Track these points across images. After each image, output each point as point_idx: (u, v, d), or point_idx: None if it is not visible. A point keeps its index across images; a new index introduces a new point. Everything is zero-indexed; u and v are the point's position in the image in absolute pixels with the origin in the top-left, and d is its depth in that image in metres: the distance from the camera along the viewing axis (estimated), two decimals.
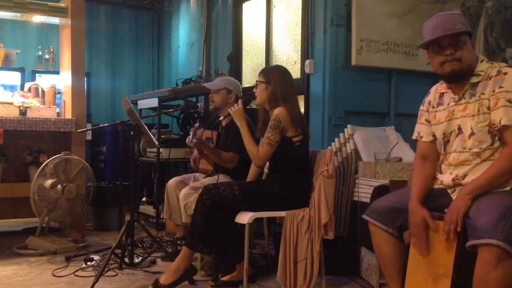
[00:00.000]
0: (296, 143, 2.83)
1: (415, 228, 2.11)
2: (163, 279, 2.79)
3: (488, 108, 2.02)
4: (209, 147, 3.29)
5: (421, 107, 2.34)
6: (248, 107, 3.30)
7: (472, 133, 2.07)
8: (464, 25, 2.08)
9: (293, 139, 2.83)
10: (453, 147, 2.15)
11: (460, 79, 2.12)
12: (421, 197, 2.15)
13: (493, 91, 2.01)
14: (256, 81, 3.00)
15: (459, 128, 2.12)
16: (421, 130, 2.32)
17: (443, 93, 2.23)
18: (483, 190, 1.96)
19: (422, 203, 2.13)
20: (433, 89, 2.31)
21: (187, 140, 3.24)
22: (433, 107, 2.26)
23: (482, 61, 2.12)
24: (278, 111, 2.81)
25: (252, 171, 3.17)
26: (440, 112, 2.22)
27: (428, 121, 2.30)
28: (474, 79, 2.10)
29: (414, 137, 2.36)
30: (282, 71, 3.00)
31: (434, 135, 2.27)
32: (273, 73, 2.95)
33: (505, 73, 2.01)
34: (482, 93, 2.05)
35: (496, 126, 1.99)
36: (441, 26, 2.08)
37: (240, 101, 3.01)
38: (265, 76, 2.95)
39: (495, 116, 2.00)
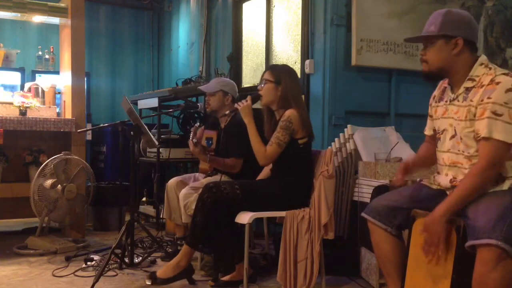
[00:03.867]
0: (301, 144, 2.83)
1: (398, 171, 2.33)
2: (160, 273, 2.80)
3: (474, 116, 2.00)
4: (207, 157, 3.25)
5: (430, 100, 2.37)
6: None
7: (461, 137, 2.08)
8: (437, 27, 2.06)
9: (298, 141, 2.82)
10: (447, 146, 2.15)
11: (431, 80, 2.19)
12: (419, 155, 2.39)
13: (482, 100, 1.97)
14: (264, 79, 2.93)
15: (454, 130, 2.12)
16: (427, 124, 2.40)
17: (445, 88, 2.23)
18: (456, 208, 1.97)
19: (414, 162, 2.36)
20: (440, 82, 2.31)
21: (189, 142, 3.22)
22: (436, 101, 2.27)
23: (481, 64, 2.07)
24: (290, 113, 2.79)
25: (264, 173, 3.14)
26: (440, 107, 2.23)
27: (431, 116, 2.33)
28: (468, 84, 2.07)
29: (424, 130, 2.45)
30: (292, 72, 2.98)
31: (434, 130, 2.30)
32: (283, 74, 2.91)
33: (498, 83, 1.96)
34: (471, 100, 2.02)
35: (479, 136, 1.98)
36: (425, 26, 2.14)
37: (249, 98, 2.92)
38: (275, 76, 2.90)
39: (479, 126, 1.97)
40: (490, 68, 2.05)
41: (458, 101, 2.10)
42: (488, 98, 1.95)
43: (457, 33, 2.06)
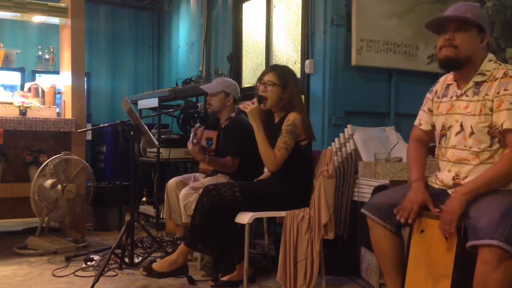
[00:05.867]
0: (302, 146, 2.83)
1: (412, 203, 2.09)
2: (156, 266, 2.81)
3: (491, 110, 2.01)
4: (206, 158, 3.23)
5: (427, 95, 2.33)
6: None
7: (472, 132, 2.06)
8: (475, 16, 2.05)
9: (300, 143, 2.82)
10: (452, 143, 2.14)
11: (453, 68, 2.12)
12: (424, 176, 2.19)
13: (498, 93, 1.99)
14: (268, 81, 2.87)
15: (461, 125, 2.11)
16: (422, 118, 2.34)
17: (449, 84, 2.21)
18: (480, 192, 1.96)
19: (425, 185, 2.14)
20: (442, 78, 2.29)
21: (188, 142, 3.21)
22: (438, 97, 2.25)
23: (490, 60, 2.09)
24: (293, 117, 2.77)
25: (266, 173, 3.12)
26: (444, 103, 2.21)
27: (430, 110, 2.29)
28: (478, 78, 2.07)
29: (415, 122, 2.37)
30: (294, 74, 2.96)
31: (433, 125, 2.27)
32: (289, 78, 2.88)
33: None
34: (486, 94, 2.03)
35: (498, 128, 1.98)
36: (451, 12, 2.09)
37: (255, 100, 2.87)
38: (281, 80, 2.86)
39: (497, 118, 1.98)
40: (499, 64, 2.09)
41: (467, 96, 2.09)
42: (505, 90, 1.98)
43: (487, 29, 2.09)
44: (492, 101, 2.01)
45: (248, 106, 2.85)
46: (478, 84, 2.07)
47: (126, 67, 6.60)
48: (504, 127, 1.97)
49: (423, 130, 2.33)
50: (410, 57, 4.05)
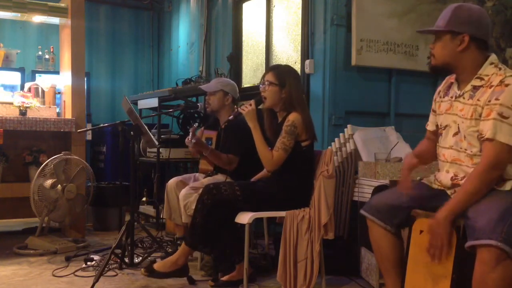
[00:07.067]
0: (304, 147, 2.83)
1: (402, 170, 2.31)
2: (157, 266, 2.81)
3: (480, 116, 2.00)
4: (208, 148, 3.27)
5: (434, 96, 2.36)
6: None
7: (465, 136, 2.07)
8: (445, 22, 2.06)
9: (301, 144, 2.82)
10: (450, 143, 2.14)
11: (438, 74, 2.25)
12: (418, 153, 2.36)
13: (489, 101, 1.97)
14: (267, 81, 2.89)
15: (458, 127, 2.11)
16: (429, 119, 2.37)
17: (452, 83, 2.21)
18: (459, 211, 1.96)
19: (416, 157, 2.33)
20: (447, 77, 2.30)
21: (186, 140, 3.24)
22: (441, 97, 2.26)
23: (491, 63, 2.06)
24: (293, 117, 2.77)
25: (262, 172, 3.13)
26: (444, 102, 2.21)
27: (434, 111, 2.31)
28: (477, 82, 2.05)
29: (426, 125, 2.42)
30: (295, 73, 2.96)
31: (437, 125, 2.28)
32: (288, 77, 2.87)
33: (507, 85, 1.95)
34: (478, 100, 2.01)
35: (483, 136, 1.97)
36: (438, 19, 2.14)
37: (253, 101, 2.90)
38: (279, 79, 2.86)
39: (484, 127, 1.97)
40: (500, 69, 2.04)
41: (464, 98, 2.09)
42: (496, 99, 1.95)
43: (463, 30, 2.04)
44: (483, 107, 1.99)
45: (246, 108, 2.87)
46: (475, 88, 2.05)
47: (126, 67, 6.60)
48: (486, 136, 1.95)
49: (429, 131, 2.35)
50: (410, 57, 4.05)
